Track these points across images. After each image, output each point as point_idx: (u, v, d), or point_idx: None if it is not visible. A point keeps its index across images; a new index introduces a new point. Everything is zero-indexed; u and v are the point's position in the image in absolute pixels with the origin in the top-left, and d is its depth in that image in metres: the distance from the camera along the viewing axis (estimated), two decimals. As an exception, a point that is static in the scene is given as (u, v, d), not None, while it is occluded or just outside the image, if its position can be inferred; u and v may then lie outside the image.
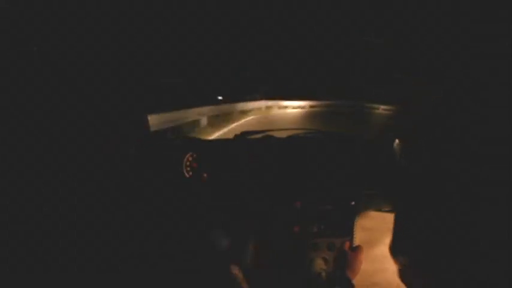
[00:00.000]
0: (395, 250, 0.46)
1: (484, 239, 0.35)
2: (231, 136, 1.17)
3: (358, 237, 0.89)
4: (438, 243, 0.38)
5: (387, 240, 0.85)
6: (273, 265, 0.99)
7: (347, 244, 0.87)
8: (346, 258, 0.84)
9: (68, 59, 0.90)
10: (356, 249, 0.86)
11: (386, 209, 0.99)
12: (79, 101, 0.91)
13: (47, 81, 0.87)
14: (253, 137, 1.14)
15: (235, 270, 0.83)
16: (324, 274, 0.95)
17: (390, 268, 0.82)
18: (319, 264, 0.97)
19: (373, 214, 0.91)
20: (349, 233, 0.96)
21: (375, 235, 0.90)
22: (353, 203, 1.04)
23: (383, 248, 0.87)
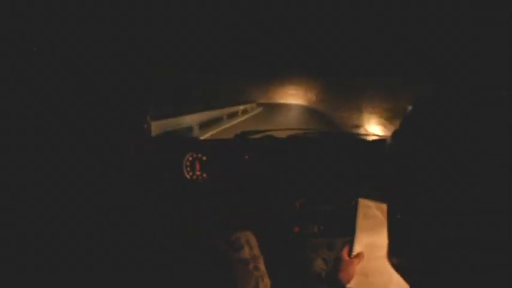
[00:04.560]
0: (392, 253, 0.46)
1: (484, 240, 0.35)
2: (231, 136, 1.17)
3: (359, 225, 0.89)
4: (438, 245, 0.38)
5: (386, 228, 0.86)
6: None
7: (346, 250, 0.87)
8: (341, 263, 0.84)
9: (68, 59, 0.90)
10: (354, 256, 0.86)
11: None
12: (79, 101, 0.91)
13: (47, 81, 0.87)
14: (253, 137, 1.14)
15: (245, 237, 0.81)
16: (324, 274, 0.96)
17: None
18: (319, 264, 0.98)
19: (372, 203, 0.91)
20: (351, 234, 0.97)
21: (374, 222, 0.90)
22: (353, 203, 1.04)
23: (382, 236, 0.87)
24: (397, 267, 0.44)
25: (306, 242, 1.01)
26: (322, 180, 1.07)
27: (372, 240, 0.87)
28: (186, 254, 0.94)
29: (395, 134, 0.47)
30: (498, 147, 0.35)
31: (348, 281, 0.81)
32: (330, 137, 1.19)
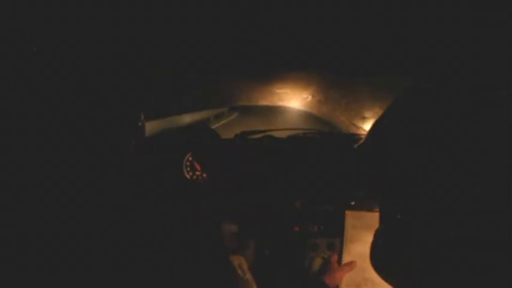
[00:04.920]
0: (379, 264, 0.45)
1: (484, 240, 0.35)
2: (231, 136, 1.17)
3: (349, 235, 0.91)
4: (438, 245, 0.38)
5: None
6: (273, 265, 0.99)
7: (335, 257, 0.89)
8: (329, 266, 0.85)
9: (68, 59, 0.90)
10: (345, 264, 0.87)
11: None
12: (79, 101, 0.91)
13: (47, 81, 0.87)
14: (253, 137, 1.14)
15: (238, 261, 0.83)
16: (324, 274, 0.96)
17: None
18: (319, 264, 0.98)
19: (361, 214, 0.92)
20: (340, 235, 0.97)
21: (365, 233, 0.91)
22: (353, 203, 1.04)
23: None
24: (386, 280, 0.44)
25: (306, 242, 1.01)
26: (322, 180, 1.07)
27: (364, 250, 0.87)
28: (186, 254, 0.94)
29: (375, 133, 0.47)
30: (498, 147, 0.35)
31: (334, 286, 0.82)
32: (329, 137, 1.19)
